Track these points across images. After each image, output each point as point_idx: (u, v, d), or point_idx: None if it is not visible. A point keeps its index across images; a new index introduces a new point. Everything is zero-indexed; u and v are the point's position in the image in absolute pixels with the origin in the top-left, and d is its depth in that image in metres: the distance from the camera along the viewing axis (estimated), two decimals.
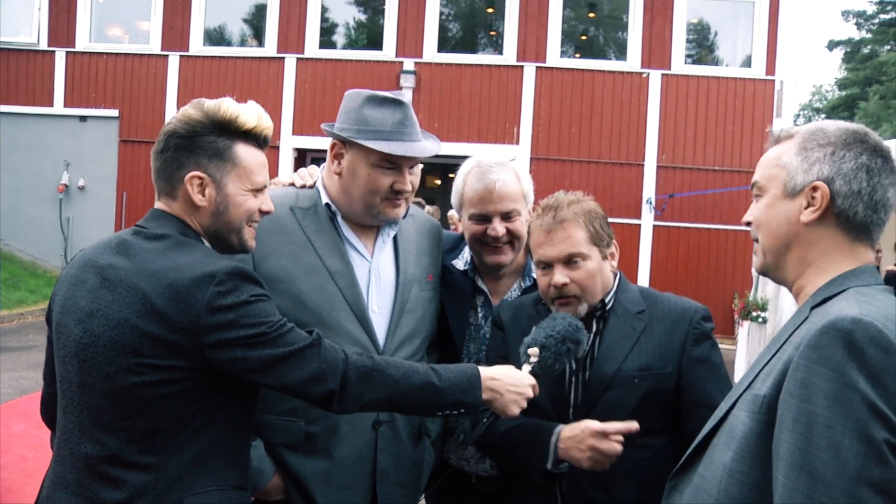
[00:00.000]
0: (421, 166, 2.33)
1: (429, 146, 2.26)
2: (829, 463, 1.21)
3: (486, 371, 1.91)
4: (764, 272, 1.59)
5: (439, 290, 2.50)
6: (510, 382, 1.91)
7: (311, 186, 2.35)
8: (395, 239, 2.36)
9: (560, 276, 2.05)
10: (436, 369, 1.87)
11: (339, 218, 2.27)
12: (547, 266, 2.09)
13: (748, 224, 1.60)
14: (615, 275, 2.17)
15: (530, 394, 1.94)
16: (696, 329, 2.05)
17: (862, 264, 1.46)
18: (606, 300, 2.12)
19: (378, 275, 2.29)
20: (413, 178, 2.26)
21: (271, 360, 1.69)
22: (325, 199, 2.28)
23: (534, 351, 1.97)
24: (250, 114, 1.82)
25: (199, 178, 1.78)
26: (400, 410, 1.92)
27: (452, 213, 11.91)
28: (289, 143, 13.35)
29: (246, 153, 1.82)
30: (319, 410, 1.96)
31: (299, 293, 2.15)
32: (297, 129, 13.27)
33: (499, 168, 2.41)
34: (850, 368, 1.23)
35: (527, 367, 1.97)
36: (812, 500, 1.21)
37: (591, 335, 2.10)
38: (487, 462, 2.46)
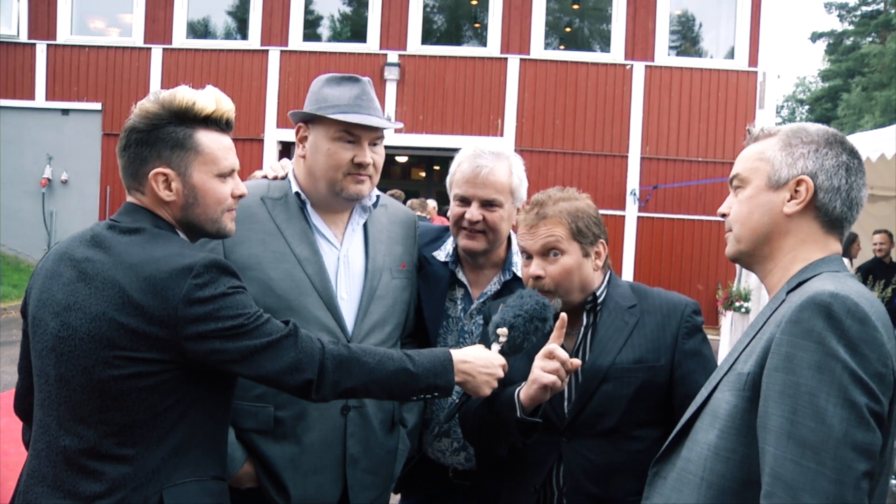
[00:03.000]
0: (383, 144, 2.34)
1: (386, 122, 2.28)
2: (816, 429, 1.27)
3: (457, 354, 1.95)
4: (736, 258, 1.66)
5: (415, 279, 2.51)
6: (482, 364, 1.96)
7: (283, 178, 2.37)
8: (365, 227, 2.38)
9: (536, 267, 2.09)
10: (409, 355, 1.90)
11: (308, 206, 2.30)
12: (528, 257, 2.13)
13: (723, 215, 1.66)
14: (605, 272, 2.19)
15: (501, 374, 1.99)
16: (687, 322, 2.09)
17: (831, 254, 1.54)
18: (598, 293, 2.14)
19: (347, 262, 2.31)
20: (375, 156, 2.28)
21: (249, 351, 1.70)
22: (294, 189, 2.30)
23: (503, 331, 2.00)
24: (207, 99, 1.80)
25: (164, 174, 1.76)
26: (376, 396, 1.94)
27: (430, 202, 11.95)
28: (273, 136, 13.32)
29: (208, 139, 1.80)
30: (288, 396, 1.98)
31: (268, 280, 2.17)
32: (282, 122, 13.23)
33: (493, 157, 2.42)
34: (831, 339, 1.30)
35: (496, 347, 2.01)
36: (801, 466, 1.27)
37: (583, 328, 2.13)
38: (462, 455, 2.48)
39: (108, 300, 1.65)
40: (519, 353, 2.04)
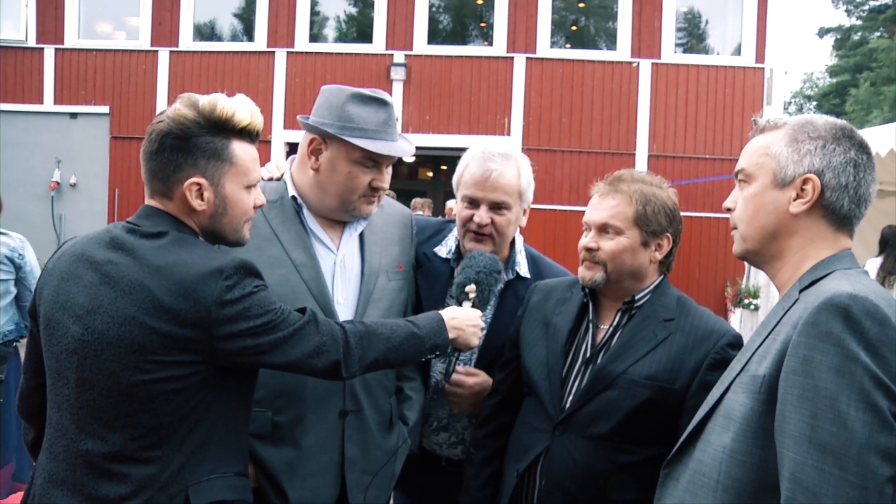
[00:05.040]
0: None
1: (408, 147, 2.29)
2: (837, 434, 1.24)
3: (444, 313, 2.12)
4: (743, 256, 1.64)
5: (413, 278, 2.50)
6: (466, 318, 2.15)
7: (279, 179, 2.36)
8: (361, 231, 2.37)
9: (589, 240, 2.11)
10: (411, 320, 2.04)
11: (304, 210, 2.28)
12: (587, 229, 2.14)
13: (728, 210, 1.63)
14: (660, 275, 2.15)
15: (482, 324, 2.20)
16: (717, 354, 1.98)
17: (842, 250, 1.51)
18: (637, 297, 2.10)
19: (343, 267, 2.30)
20: (388, 176, 2.29)
21: (278, 342, 1.76)
22: (291, 192, 2.28)
23: (471, 288, 2.21)
24: (245, 111, 1.82)
25: (198, 184, 1.77)
26: (393, 365, 2.03)
27: (449, 203, 11.93)
28: (280, 138, 13.31)
29: (241, 151, 1.83)
30: (285, 401, 2.10)
31: None
32: (289, 124, 13.23)
33: (502, 158, 2.41)
34: (850, 341, 1.27)
35: (468, 304, 2.21)
36: (823, 471, 1.24)
37: (611, 327, 2.11)
38: (459, 448, 2.50)
39: (137, 303, 1.65)
40: (486, 306, 2.25)
